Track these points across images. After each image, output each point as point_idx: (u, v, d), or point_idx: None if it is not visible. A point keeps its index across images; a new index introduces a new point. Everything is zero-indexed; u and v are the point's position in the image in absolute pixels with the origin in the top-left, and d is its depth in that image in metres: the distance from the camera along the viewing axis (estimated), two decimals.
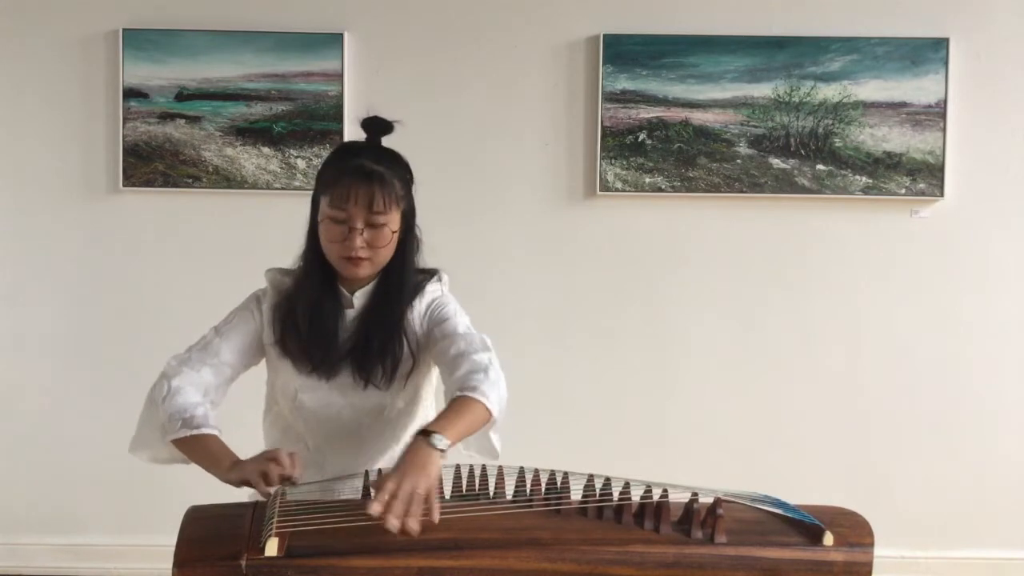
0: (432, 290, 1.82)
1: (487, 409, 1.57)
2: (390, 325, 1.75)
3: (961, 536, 3.37)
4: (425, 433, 1.47)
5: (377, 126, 1.78)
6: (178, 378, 1.70)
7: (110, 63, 3.25)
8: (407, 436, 1.83)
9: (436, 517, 1.37)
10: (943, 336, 3.34)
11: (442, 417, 1.54)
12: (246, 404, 1.92)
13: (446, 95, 3.28)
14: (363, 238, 1.68)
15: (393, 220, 1.70)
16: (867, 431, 3.36)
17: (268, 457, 1.53)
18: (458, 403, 1.57)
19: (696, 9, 3.26)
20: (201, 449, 1.61)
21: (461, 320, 1.77)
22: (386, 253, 1.73)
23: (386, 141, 1.79)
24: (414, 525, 1.34)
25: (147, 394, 1.72)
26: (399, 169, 1.74)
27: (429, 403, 1.90)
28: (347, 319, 1.77)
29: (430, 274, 1.83)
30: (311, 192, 1.77)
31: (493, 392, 1.59)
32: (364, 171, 1.67)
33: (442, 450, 1.46)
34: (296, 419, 1.82)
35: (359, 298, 1.77)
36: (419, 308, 1.79)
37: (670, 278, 3.33)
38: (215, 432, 1.62)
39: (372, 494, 1.38)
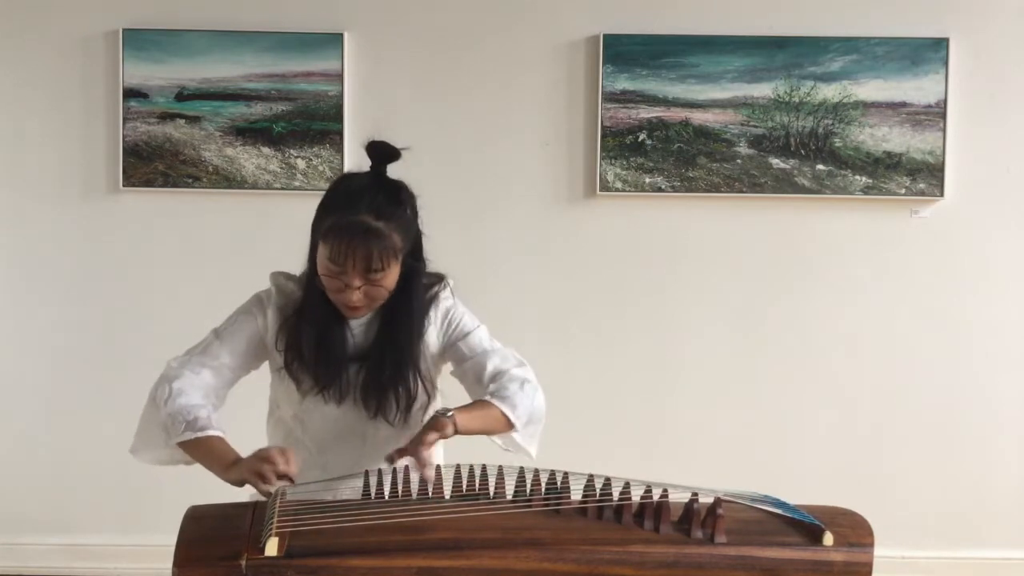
0: (445, 298, 1.83)
1: (507, 418, 1.68)
2: (400, 359, 1.75)
3: (961, 536, 3.37)
4: (439, 412, 1.65)
5: (382, 154, 1.71)
6: (179, 380, 1.69)
7: (110, 63, 3.25)
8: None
9: (432, 464, 1.56)
10: (943, 336, 3.34)
11: (461, 407, 1.67)
12: (248, 404, 1.92)
13: (446, 95, 3.28)
14: (359, 293, 1.66)
15: (392, 274, 1.68)
16: (867, 431, 3.36)
17: (261, 456, 1.54)
18: (480, 403, 1.69)
19: (696, 9, 3.26)
20: (205, 451, 1.62)
21: (483, 332, 1.82)
22: (384, 298, 1.71)
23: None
24: (429, 472, 1.54)
25: (148, 396, 1.71)
26: (400, 216, 1.67)
27: (436, 402, 1.90)
28: (354, 346, 1.76)
29: (436, 279, 1.83)
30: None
31: (523, 404, 1.69)
32: (362, 229, 1.61)
33: (452, 420, 1.62)
34: (298, 424, 1.83)
35: (361, 326, 1.77)
36: (435, 318, 1.81)
37: (670, 278, 3.33)
38: (219, 434, 1.63)
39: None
